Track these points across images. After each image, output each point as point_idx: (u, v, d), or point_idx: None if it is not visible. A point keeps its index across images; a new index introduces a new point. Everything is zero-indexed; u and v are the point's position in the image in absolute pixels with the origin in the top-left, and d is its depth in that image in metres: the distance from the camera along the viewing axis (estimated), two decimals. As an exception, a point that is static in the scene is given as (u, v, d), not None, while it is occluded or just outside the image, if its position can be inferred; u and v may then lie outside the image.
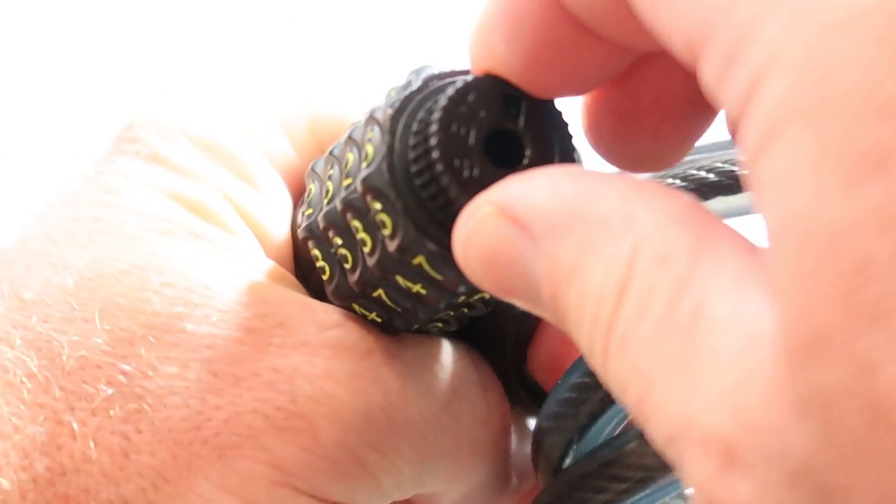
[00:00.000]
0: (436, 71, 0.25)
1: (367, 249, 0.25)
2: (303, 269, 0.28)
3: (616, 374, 0.19)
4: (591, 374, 0.27)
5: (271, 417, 0.24)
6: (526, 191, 0.21)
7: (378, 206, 0.24)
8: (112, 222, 0.26)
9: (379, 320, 0.26)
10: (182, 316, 0.25)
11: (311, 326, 0.26)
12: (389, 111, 0.24)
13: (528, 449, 0.31)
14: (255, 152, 0.29)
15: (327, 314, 0.26)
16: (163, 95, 0.29)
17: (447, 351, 0.28)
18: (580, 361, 0.27)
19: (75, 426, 0.24)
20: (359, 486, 0.25)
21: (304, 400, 0.25)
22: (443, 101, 0.23)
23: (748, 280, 0.17)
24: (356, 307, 0.26)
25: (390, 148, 0.24)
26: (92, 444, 0.24)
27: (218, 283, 0.26)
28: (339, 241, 0.26)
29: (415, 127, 0.24)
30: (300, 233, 0.27)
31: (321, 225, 0.26)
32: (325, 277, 0.27)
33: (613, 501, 0.26)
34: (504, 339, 0.30)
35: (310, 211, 0.27)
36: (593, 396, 0.27)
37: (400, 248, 0.24)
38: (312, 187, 0.27)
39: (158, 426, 0.24)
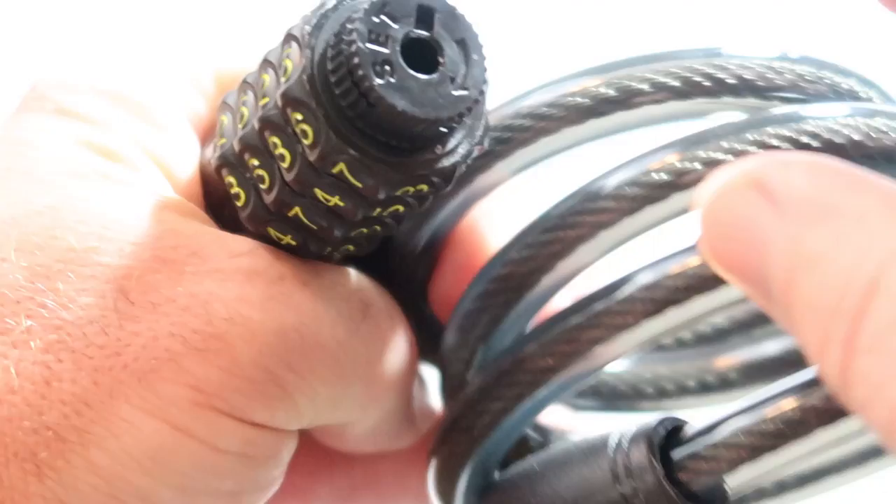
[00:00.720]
0: None
1: (285, 165, 0.26)
2: (214, 205, 0.29)
3: (865, 372, 0.19)
4: (492, 282, 0.28)
5: (189, 340, 0.25)
6: (785, 169, 0.21)
7: (299, 116, 0.25)
8: (24, 170, 0.27)
9: (294, 243, 0.27)
10: (97, 250, 0.26)
11: (223, 253, 0.26)
12: (307, 27, 0.25)
13: (427, 391, 0.32)
14: (163, 101, 0.29)
15: (238, 243, 0.27)
16: (68, 60, 0.30)
17: (357, 279, 0.29)
18: (478, 277, 0.28)
19: None
20: (277, 406, 0.26)
21: (220, 322, 0.26)
22: (360, 12, 0.24)
23: None
24: (271, 230, 0.27)
25: (310, 60, 0.25)
26: (14, 374, 0.24)
27: (130, 218, 0.26)
28: (255, 162, 0.27)
29: (332, 40, 0.25)
30: (213, 162, 0.28)
31: (237, 149, 0.27)
32: (239, 204, 0.27)
33: (508, 409, 0.27)
34: (407, 277, 0.31)
35: (223, 140, 0.28)
36: (493, 303, 0.28)
37: (321, 157, 0.25)
38: (224, 119, 0.28)
39: (79, 355, 0.25)
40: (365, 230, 0.27)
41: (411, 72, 0.25)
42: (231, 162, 0.27)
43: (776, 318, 0.22)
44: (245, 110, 0.27)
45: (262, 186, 0.27)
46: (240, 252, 0.27)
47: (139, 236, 0.26)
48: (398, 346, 0.29)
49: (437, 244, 0.31)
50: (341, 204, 0.26)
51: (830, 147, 0.25)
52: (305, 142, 0.25)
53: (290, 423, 0.27)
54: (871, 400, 0.19)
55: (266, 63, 0.27)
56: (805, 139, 0.25)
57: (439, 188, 0.26)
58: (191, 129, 0.30)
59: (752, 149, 0.25)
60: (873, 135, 0.26)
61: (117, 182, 0.27)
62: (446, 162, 0.26)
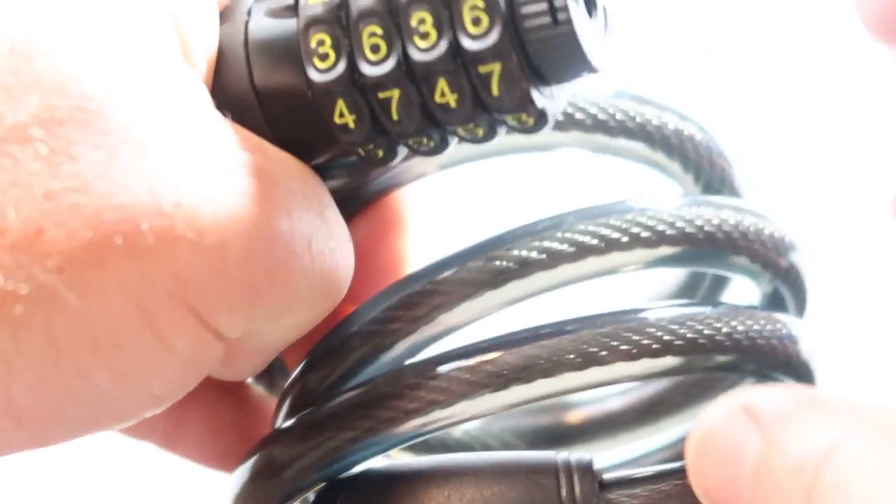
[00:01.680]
0: None
1: (423, 43, 0.25)
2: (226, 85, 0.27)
3: None
4: (344, 341, 0.29)
5: (180, 230, 0.24)
6: (765, 392, 0.24)
7: (479, 3, 0.24)
8: None
9: (349, 125, 0.26)
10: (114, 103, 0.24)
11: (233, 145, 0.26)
12: None
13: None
14: None
15: (248, 138, 0.26)
16: None
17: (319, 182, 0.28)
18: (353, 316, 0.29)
19: None
20: (239, 313, 0.26)
21: (220, 216, 0.25)
22: None
23: None
24: (341, 103, 0.26)
25: None
26: (12, 215, 0.23)
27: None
28: (376, 29, 0.25)
29: None
30: (302, 21, 0.26)
31: (355, 10, 0.26)
32: (322, 65, 0.26)
33: (357, 440, 0.28)
34: None
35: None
36: (365, 346, 0.28)
37: (481, 51, 0.24)
38: None
39: (82, 210, 0.23)
40: (426, 141, 0.27)
41: (586, 12, 0.25)
42: (329, 21, 0.26)
43: None
44: None
45: (371, 56, 0.26)
46: (250, 146, 0.26)
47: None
48: (348, 251, 0.28)
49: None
50: (452, 106, 0.26)
51: (663, 238, 0.28)
52: (473, 29, 0.25)
53: (234, 332, 0.26)
54: None
55: None
56: (636, 230, 0.28)
57: (531, 129, 0.26)
58: None
59: (589, 239, 0.27)
60: (706, 227, 0.28)
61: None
62: (551, 106, 0.26)
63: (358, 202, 0.33)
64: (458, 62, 0.25)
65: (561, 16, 0.24)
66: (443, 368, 0.27)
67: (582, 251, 0.28)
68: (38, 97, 0.24)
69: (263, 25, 0.27)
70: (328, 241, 0.27)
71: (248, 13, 0.27)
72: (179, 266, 0.24)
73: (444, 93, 0.25)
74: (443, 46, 0.25)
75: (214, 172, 0.25)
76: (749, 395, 0.25)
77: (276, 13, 0.27)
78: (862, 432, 0.23)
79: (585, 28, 0.25)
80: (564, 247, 0.27)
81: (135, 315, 0.24)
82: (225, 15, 0.28)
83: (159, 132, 0.24)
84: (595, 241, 0.28)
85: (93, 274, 0.23)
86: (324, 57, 0.26)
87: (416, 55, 0.25)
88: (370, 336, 0.28)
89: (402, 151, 0.28)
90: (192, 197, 0.24)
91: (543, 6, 0.24)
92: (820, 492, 0.22)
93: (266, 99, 0.27)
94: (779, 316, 0.29)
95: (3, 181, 0.23)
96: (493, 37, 0.24)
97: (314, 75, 0.26)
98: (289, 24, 0.27)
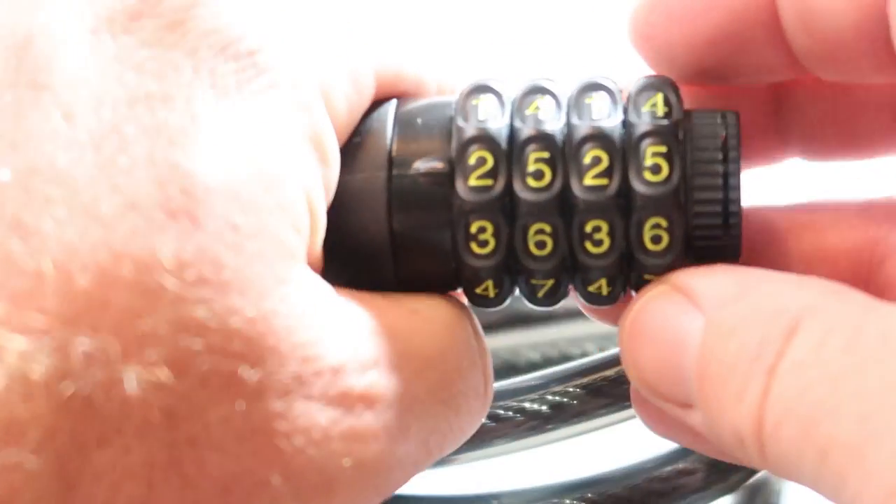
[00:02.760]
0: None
1: (595, 250, 0.26)
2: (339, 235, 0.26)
3: (780, 411, 0.21)
4: None
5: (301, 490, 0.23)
6: (701, 273, 0.24)
7: (664, 223, 0.25)
8: None
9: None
10: None
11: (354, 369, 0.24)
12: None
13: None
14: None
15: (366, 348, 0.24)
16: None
17: None
18: None
19: None
20: None
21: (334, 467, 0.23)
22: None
23: None
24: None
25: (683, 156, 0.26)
26: None
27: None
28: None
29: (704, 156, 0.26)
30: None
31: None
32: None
33: None
34: None
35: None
36: None
37: (659, 265, 0.26)
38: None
39: None
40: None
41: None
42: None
43: (692, 422, 0.24)
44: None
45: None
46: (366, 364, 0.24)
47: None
48: None
49: None
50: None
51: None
52: (653, 247, 0.26)
53: None
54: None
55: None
56: None
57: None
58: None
59: None
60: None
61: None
62: None
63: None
64: (629, 271, 0.26)
65: (733, 220, 0.26)
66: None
67: None
68: None
69: (412, 188, 0.26)
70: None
71: (389, 161, 0.27)
72: None
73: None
74: (613, 256, 0.26)
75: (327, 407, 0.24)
76: (683, 277, 0.24)
77: (428, 175, 0.27)
78: (819, 313, 0.22)
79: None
80: None
81: None
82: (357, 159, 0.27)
83: None
84: None
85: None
86: (484, 244, 0.26)
87: (586, 259, 0.26)
88: None
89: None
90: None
91: (717, 208, 0.26)
92: (782, 376, 0.21)
93: (401, 249, 0.27)
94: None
95: None
96: (669, 258, 0.26)
97: (469, 259, 0.26)
98: (441, 195, 0.26)
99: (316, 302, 0.23)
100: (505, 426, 0.32)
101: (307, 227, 0.24)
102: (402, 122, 0.27)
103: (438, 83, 0.29)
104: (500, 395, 0.32)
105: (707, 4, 0.27)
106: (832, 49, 0.26)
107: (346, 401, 0.23)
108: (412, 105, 0.28)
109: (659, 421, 0.27)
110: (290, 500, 0.22)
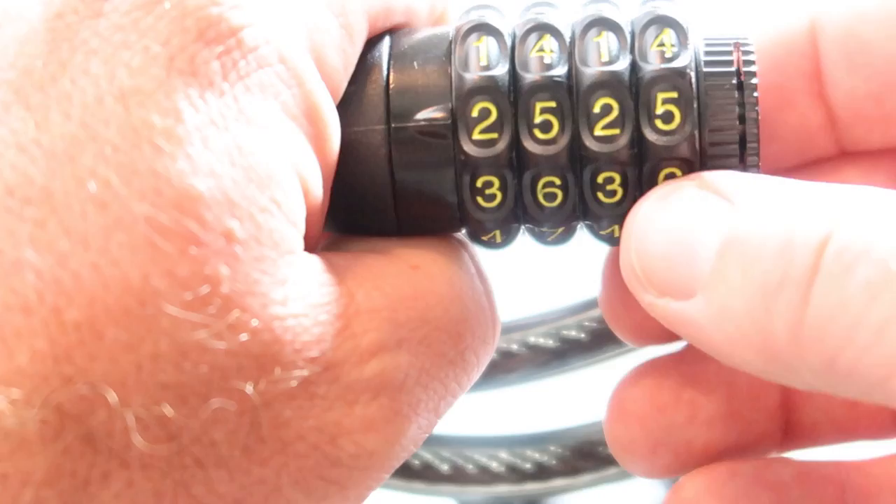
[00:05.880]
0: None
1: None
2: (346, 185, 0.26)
3: (820, 316, 0.21)
4: None
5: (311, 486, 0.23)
6: (729, 174, 0.23)
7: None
8: None
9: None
10: None
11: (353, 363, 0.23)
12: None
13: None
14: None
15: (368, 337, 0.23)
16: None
17: None
18: None
19: None
20: None
21: (346, 458, 0.23)
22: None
23: None
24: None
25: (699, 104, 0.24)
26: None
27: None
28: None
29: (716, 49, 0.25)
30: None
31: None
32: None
33: None
34: None
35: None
36: None
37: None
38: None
39: None
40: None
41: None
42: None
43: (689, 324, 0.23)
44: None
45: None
46: (371, 352, 0.23)
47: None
48: None
49: None
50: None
51: None
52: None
53: None
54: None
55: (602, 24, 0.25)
56: None
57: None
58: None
59: None
60: None
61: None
62: None
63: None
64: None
65: (749, 114, 0.25)
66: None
67: None
68: None
69: (412, 145, 0.25)
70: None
71: (387, 113, 0.26)
72: None
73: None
74: (627, 204, 0.25)
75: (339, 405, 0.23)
76: (708, 176, 0.24)
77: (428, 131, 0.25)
78: (859, 216, 0.21)
79: None
80: None
81: None
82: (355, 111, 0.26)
83: None
84: None
85: None
86: (490, 198, 0.25)
87: (598, 209, 0.25)
88: None
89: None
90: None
91: (734, 100, 0.25)
92: (825, 274, 0.21)
93: (403, 200, 0.26)
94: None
95: None
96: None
97: (475, 212, 0.26)
98: (443, 147, 0.25)
99: (315, 296, 0.22)
100: (512, 361, 0.31)
101: (303, 216, 0.23)
102: (398, 67, 0.26)
103: (430, 5, 0.28)
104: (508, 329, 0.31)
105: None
106: (878, 88, 0.25)
107: (352, 394, 0.22)
108: (406, 43, 0.26)
109: (627, 324, 0.28)
110: (303, 502, 0.22)
